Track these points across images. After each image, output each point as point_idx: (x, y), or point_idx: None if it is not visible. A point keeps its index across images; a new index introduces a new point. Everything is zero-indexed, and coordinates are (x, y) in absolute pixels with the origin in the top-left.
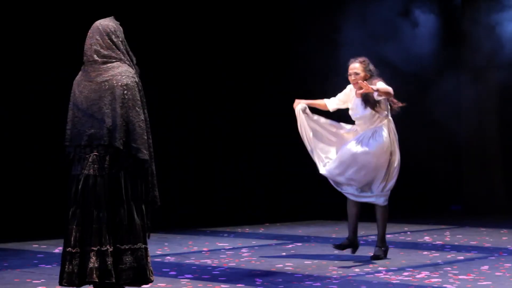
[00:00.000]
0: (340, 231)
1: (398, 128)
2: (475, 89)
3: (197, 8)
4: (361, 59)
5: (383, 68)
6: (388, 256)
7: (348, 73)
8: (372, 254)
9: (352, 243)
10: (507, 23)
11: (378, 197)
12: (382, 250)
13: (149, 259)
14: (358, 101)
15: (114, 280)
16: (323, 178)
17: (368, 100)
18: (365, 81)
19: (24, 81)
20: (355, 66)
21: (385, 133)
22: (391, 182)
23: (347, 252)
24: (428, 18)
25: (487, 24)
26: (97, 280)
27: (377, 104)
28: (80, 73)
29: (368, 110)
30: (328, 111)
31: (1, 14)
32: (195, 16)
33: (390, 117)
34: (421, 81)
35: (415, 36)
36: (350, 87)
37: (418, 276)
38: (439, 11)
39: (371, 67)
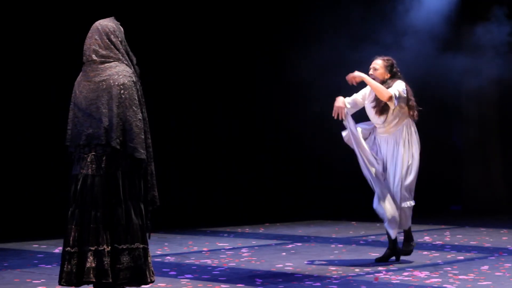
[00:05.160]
0: (340, 231)
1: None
2: (475, 86)
3: (200, 9)
4: (386, 57)
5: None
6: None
7: (369, 67)
8: (402, 249)
9: (393, 251)
10: None
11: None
12: (411, 244)
13: (150, 259)
14: (370, 106)
15: (111, 280)
16: (324, 178)
17: (379, 105)
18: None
19: (24, 81)
20: (377, 62)
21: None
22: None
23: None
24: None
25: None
26: (94, 280)
27: (388, 110)
28: (80, 73)
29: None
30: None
31: (2, 14)
32: (198, 17)
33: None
34: (420, 81)
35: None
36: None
37: (418, 276)
38: None
39: (395, 68)
